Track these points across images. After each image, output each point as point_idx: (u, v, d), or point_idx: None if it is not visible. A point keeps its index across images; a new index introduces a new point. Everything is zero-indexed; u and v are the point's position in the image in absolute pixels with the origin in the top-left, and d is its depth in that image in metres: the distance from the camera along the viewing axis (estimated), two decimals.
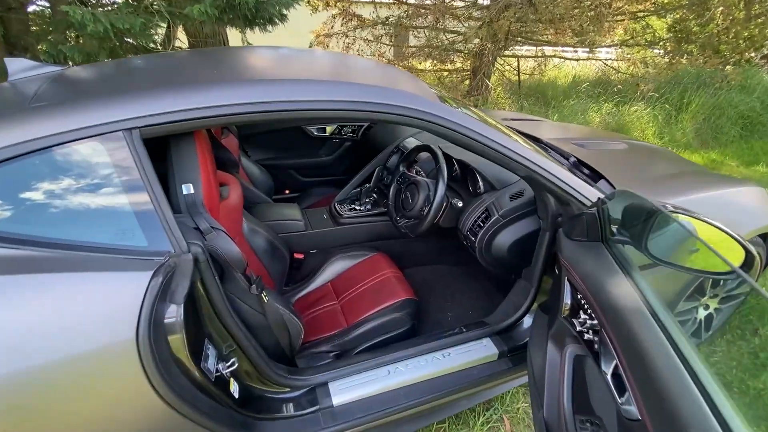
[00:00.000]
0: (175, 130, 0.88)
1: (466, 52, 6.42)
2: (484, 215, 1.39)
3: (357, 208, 1.90)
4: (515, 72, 6.96)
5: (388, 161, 2.02)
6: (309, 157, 2.56)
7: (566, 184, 1.17)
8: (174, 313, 0.84)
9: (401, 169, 1.65)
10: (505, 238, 1.35)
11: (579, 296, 0.96)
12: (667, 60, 6.35)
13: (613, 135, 2.31)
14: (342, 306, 1.60)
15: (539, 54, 6.93)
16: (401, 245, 1.97)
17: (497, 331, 1.47)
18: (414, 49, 6.83)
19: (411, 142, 1.97)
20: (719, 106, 5.40)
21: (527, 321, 1.49)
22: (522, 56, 6.97)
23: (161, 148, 1.05)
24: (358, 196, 1.99)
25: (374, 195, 2.00)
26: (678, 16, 6.60)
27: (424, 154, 1.74)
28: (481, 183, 1.44)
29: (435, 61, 6.11)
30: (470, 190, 1.54)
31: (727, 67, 6.28)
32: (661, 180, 1.59)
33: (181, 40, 4.17)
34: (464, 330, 1.44)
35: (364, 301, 1.57)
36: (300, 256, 1.77)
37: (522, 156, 1.13)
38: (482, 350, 1.41)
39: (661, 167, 1.76)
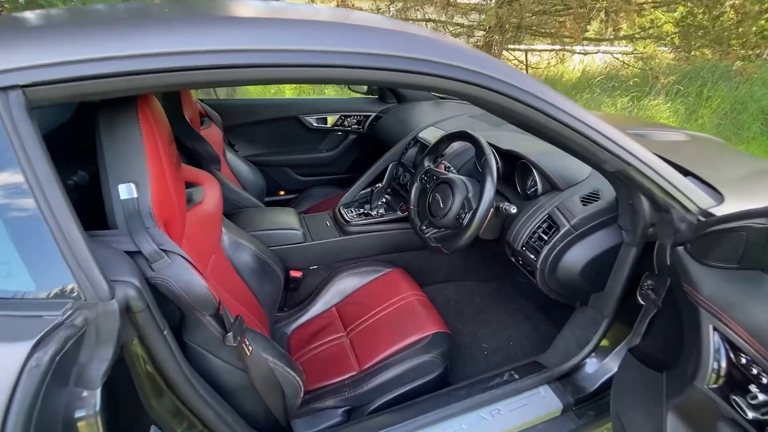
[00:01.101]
0: (90, 93, 0.52)
1: (472, 44, 6.11)
2: (545, 225, 1.04)
3: (368, 213, 1.54)
4: (523, 65, 6.65)
5: (403, 156, 1.67)
6: (307, 152, 2.20)
7: (671, 184, 0.82)
8: (86, 403, 0.49)
9: (426, 164, 1.30)
10: (579, 255, 1.00)
11: (745, 359, 0.61)
12: (673, 56, 6.09)
13: (662, 125, 1.98)
14: (351, 340, 1.25)
15: (548, 48, 6.63)
16: (420, 259, 1.62)
17: (558, 376, 1.12)
18: None
19: (432, 133, 1.62)
20: (740, 101, 5.10)
21: (592, 362, 1.14)
22: (530, 50, 6.65)
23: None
24: (368, 198, 1.64)
25: (387, 197, 1.65)
26: (687, 9, 6.36)
27: (456, 145, 1.39)
28: (538, 181, 1.09)
29: None
30: (519, 191, 1.19)
31: (736, 63, 6.04)
32: (757, 178, 1.24)
33: None
34: (515, 376, 1.09)
35: (381, 334, 1.21)
36: (297, 273, 1.42)
37: (619, 145, 0.78)
38: (541, 404, 1.06)
39: (740, 162, 1.41)
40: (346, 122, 2.18)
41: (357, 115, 2.17)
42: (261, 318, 1.18)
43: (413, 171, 1.58)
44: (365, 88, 2.25)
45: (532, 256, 1.03)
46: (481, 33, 6.04)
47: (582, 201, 1.03)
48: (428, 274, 1.66)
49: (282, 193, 2.23)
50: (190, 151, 1.38)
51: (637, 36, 6.55)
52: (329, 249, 1.47)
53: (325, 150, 2.23)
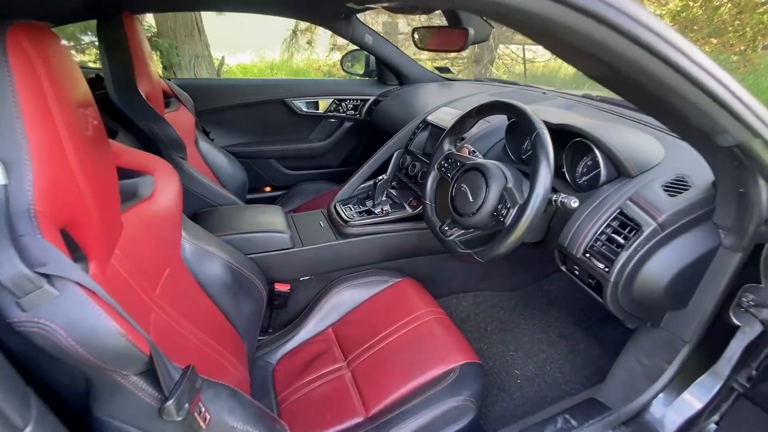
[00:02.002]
0: None
1: None
2: (616, 223, 0.78)
3: (370, 210, 1.27)
4: (520, 60, 6.45)
5: (411, 142, 1.40)
6: (296, 142, 1.92)
7: None
8: None
9: (446, 148, 1.03)
10: (666, 263, 0.74)
11: None
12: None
13: None
14: (354, 373, 0.97)
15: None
16: (432, 265, 1.35)
17: (625, 419, 0.86)
18: (404, 36, 6.24)
19: (445, 115, 1.35)
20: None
21: (667, 398, 0.89)
22: (527, 44, 6.45)
23: None
24: (369, 192, 1.37)
25: (393, 191, 1.38)
26: (683, 3, 6.26)
27: (477, 128, 1.12)
28: (602, 165, 0.83)
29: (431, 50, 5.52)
30: (569, 180, 0.93)
31: (732, 57, 5.95)
32: None
33: None
34: (572, 422, 0.83)
35: (392, 366, 0.94)
36: (284, 287, 1.14)
37: (750, 108, 0.53)
38: None
39: None
40: (340, 107, 1.90)
41: (353, 99, 1.90)
42: (235, 347, 0.90)
43: (424, 159, 1.31)
44: (362, 68, 1.97)
45: (601, 266, 0.77)
46: None
47: (665, 190, 0.76)
48: (442, 283, 1.39)
49: (267, 189, 1.94)
50: (144, 133, 1.09)
51: None
52: (324, 255, 1.19)
53: (317, 139, 1.94)
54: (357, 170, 1.40)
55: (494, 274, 1.45)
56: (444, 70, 1.87)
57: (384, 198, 1.33)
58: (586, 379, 1.16)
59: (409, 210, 1.26)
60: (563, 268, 0.92)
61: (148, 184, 0.77)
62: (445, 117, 1.33)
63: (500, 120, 1.17)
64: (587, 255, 0.79)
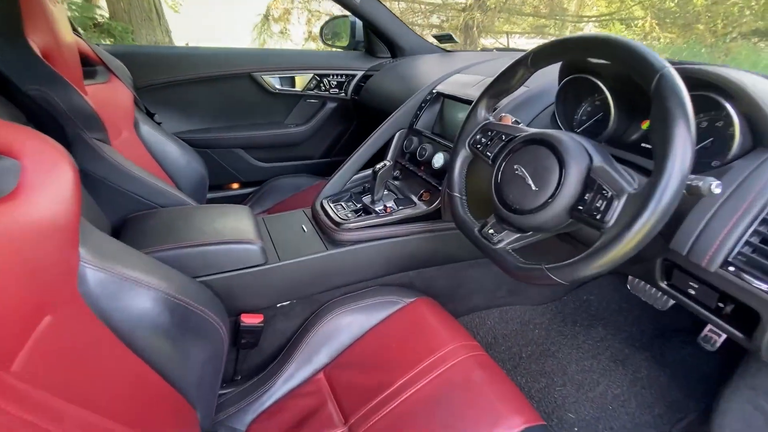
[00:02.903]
0: None
1: (448, 24, 5.64)
2: None
3: (368, 208, 0.96)
4: (504, 47, 6.25)
5: (417, 120, 1.09)
6: (269, 127, 1.57)
7: None
8: None
9: (481, 116, 0.72)
10: None
11: None
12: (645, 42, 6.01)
13: None
14: None
15: (524, 32, 6.30)
16: (450, 277, 1.05)
17: None
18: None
19: (460, 84, 1.05)
20: None
21: None
22: (511, 32, 6.27)
23: None
24: (365, 185, 1.05)
25: (396, 182, 1.07)
26: None
27: (519, 90, 0.81)
28: (738, 131, 0.54)
29: None
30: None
31: (702, 49, 5.96)
32: None
33: None
34: None
35: None
36: (254, 319, 0.81)
37: None
38: None
39: None
40: (322, 84, 1.57)
41: (338, 75, 1.57)
42: (177, 423, 0.58)
43: (437, 139, 1.01)
44: (347, 39, 1.65)
45: (763, 285, 0.48)
46: (459, 12, 5.58)
47: None
48: (462, 299, 1.09)
49: (234, 186, 1.59)
50: (35, 103, 0.74)
51: (605, 18, 6.41)
52: (309, 271, 0.87)
53: (294, 124, 1.61)
54: (347, 159, 1.08)
55: (524, 285, 1.16)
56: (445, 38, 1.57)
57: (386, 192, 1.02)
58: (660, 419, 0.88)
59: (421, 206, 0.95)
60: (663, 285, 0.63)
61: (7, 175, 0.44)
62: (461, 86, 1.03)
63: (541, 82, 0.87)
64: (731, 268, 0.51)
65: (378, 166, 0.95)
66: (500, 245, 0.64)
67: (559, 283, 0.54)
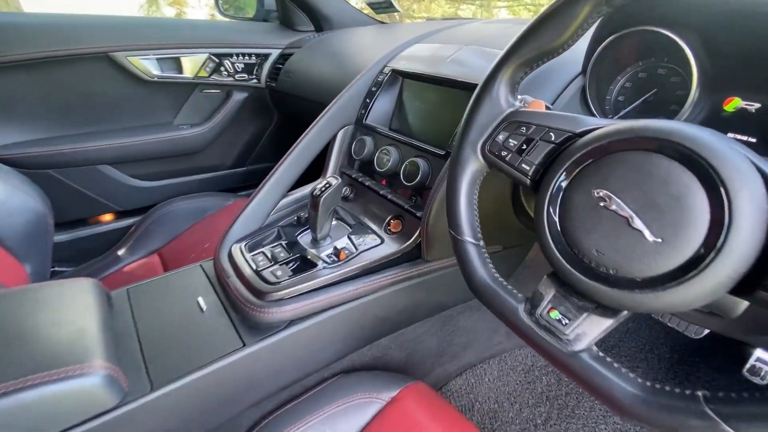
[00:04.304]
0: None
1: None
2: None
3: (312, 254, 0.60)
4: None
5: (367, 113, 0.75)
6: (149, 131, 1.11)
7: None
8: None
9: (503, 98, 0.41)
10: None
11: None
12: None
13: None
14: None
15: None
16: (435, 331, 0.74)
17: None
18: None
19: (422, 57, 0.73)
20: None
21: None
22: (430, 17, 6.11)
23: None
24: (300, 215, 0.69)
25: (347, 205, 0.72)
26: None
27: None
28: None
29: None
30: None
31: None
32: None
33: None
34: None
35: None
36: None
37: None
38: None
39: None
40: (223, 68, 1.15)
41: (244, 55, 1.16)
42: None
43: (403, 139, 0.68)
44: (252, 7, 1.24)
45: None
46: None
47: None
48: (452, 358, 0.79)
49: (105, 218, 1.12)
50: None
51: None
52: (216, 391, 0.50)
53: (188, 124, 1.17)
54: (268, 177, 0.70)
55: None
56: (382, 6, 1.23)
57: (334, 222, 0.67)
58: None
59: (390, 242, 0.62)
60: None
61: None
62: (428, 61, 0.71)
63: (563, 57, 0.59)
64: None
65: (319, 185, 0.59)
66: (579, 344, 0.34)
67: None
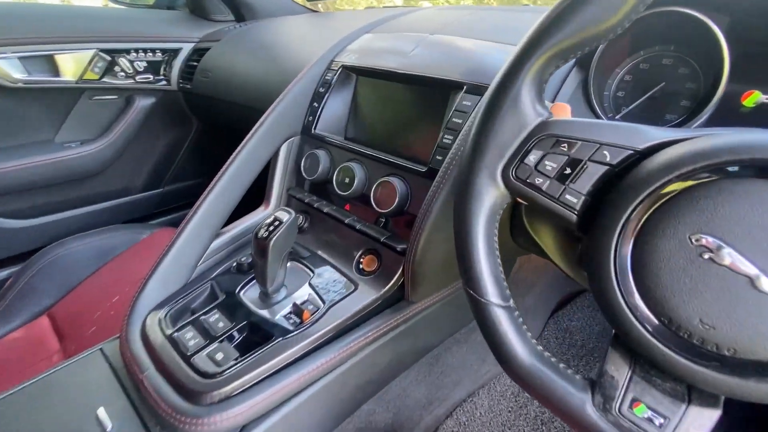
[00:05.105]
0: None
1: None
2: None
3: (261, 318, 0.44)
4: None
5: (315, 119, 0.60)
6: (15, 155, 0.85)
7: None
8: None
9: (528, 105, 0.30)
10: None
11: None
12: None
13: None
14: None
15: None
16: (420, 378, 0.63)
17: None
18: None
19: (378, 50, 0.60)
20: None
21: None
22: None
23: None
24: (239, 262, 0.53)
25: (304, 237, 0.57)
26: None
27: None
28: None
29: None
30: None
31: None
32: None
33: None
34: None
35: None
36: None
37: None
38: None
39: None
40: (119, 67, 0.91)
41: (146, 51, 0.93)
42: None
43: (361, 151, 0.54)
44: None
45: None
46: None
47: None
48: (442, 401, 0.68)
49: None
50: None
51: None
52: None
53: (78, 141, 0.91)
54: (195, 205, 0.53)
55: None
56: None
57: (290, 263, 0.51)
58: None
59: (366, 288, 0.49)
60: None
61: None
62: (386, 53, 0.58)
63: None
64: None
65: (266, 220, 0.44)
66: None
67: None
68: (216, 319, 0.44)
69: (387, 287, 0.48)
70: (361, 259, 0.51)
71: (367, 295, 0.48)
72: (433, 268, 0.48)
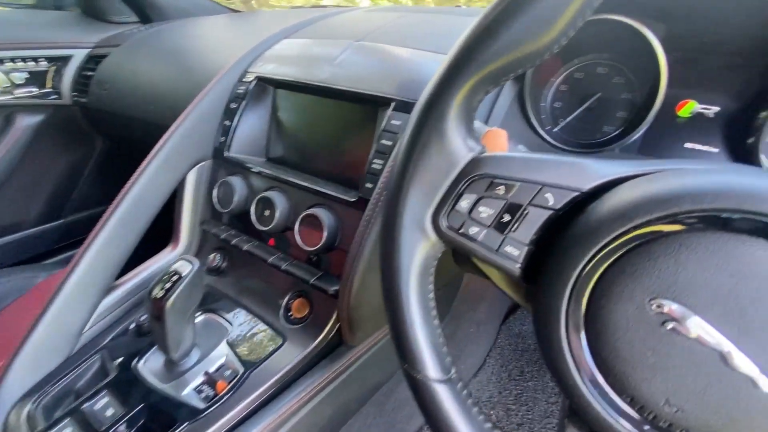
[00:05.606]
0: None
1: None
2: None
3: (192, 401, 0.36)
4: None
5: (228, 139, 0.52)
6: None
7: None
8: None
9: (459, 140, 0.24)
10: None
11: None
12: None
13: None
14: None
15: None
16: (370, 421, 0.57)
17: None
18: None
19: (294, 56, 0.53)
20: None
21: None
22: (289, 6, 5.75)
23: None
24: (136, 324, 0.44)
25: (222, 279, 0.49)
26: None
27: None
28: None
29: None
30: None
31: None
32: None
33: None
34: None
35: None
36: None
37: None
38: None
39: None
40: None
41: (26, 59, 0.78)
42: None
43: (282, 178, 0.47)
44: None
45: None
46: None
47: None
48: None
49: None
50: None
51: None
52: None
53: None
54: (79, 252, 0.43)
55: (461, 349, 0.78)
56: None
57: (200, 317, 0.43)
58: None
59: (293, 336, 0.42)
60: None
61: None
62: (309, 62, 0.51)
63: None
64: None
65: (162, 274, 0.36)
66: None
67: None
68: (104, 405, 0.35)
69: (320, 337, 0.41)
70: (290, 305, 0.45)
71: (297, 348, 0.41)
72: (372, 308, 0.42)
